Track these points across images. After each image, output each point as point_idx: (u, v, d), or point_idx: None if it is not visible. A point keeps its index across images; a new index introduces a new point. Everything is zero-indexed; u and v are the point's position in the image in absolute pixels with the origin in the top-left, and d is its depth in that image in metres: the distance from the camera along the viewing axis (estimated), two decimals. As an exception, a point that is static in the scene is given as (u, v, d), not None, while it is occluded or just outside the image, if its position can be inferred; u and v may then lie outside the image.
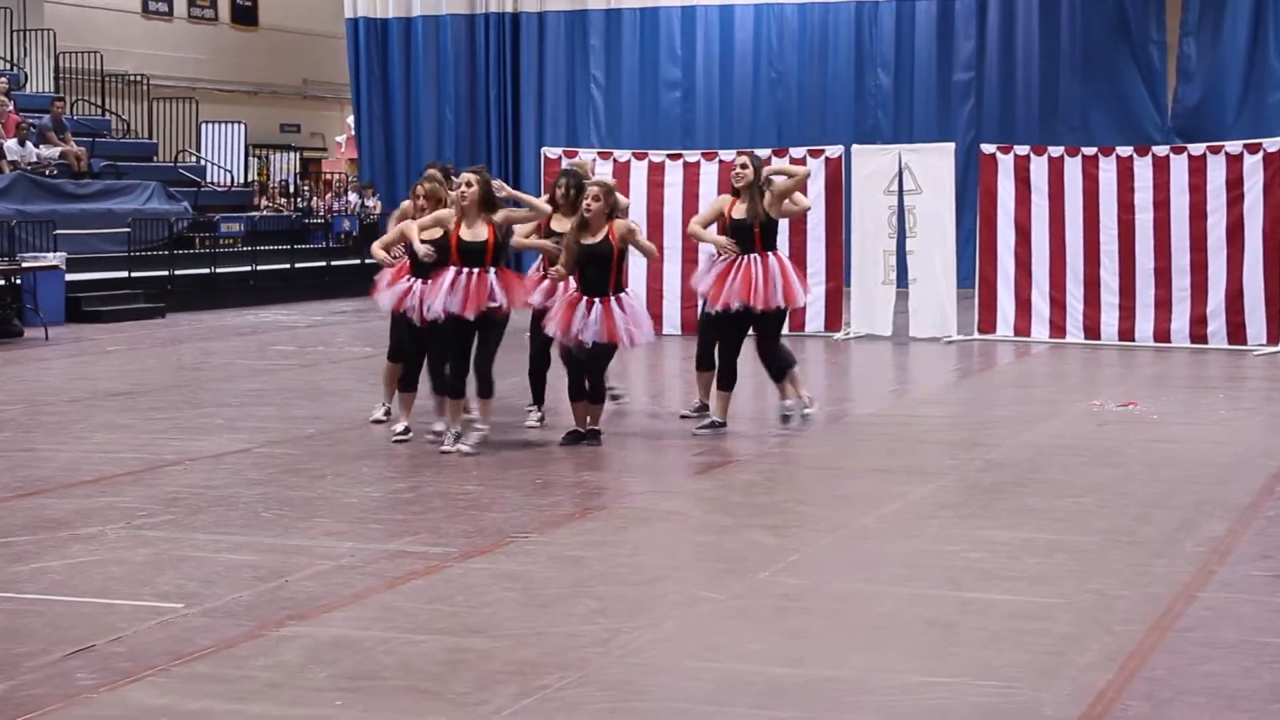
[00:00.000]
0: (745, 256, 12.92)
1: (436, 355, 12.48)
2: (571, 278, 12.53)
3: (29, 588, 8.17)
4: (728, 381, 13.15)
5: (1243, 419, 14.18)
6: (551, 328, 12.48)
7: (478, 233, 12.06)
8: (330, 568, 8.56)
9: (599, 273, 12.33)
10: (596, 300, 12.29)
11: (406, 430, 12.74)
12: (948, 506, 10.28)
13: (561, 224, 12.87)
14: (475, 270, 12.04)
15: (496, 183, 12.40)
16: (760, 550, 9.06)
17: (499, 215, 12.19)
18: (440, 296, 11.98)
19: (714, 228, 13.21)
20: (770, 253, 13.00)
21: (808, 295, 14.04)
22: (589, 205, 12.34)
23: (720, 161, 21.47)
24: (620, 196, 12.92)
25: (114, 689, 6.54)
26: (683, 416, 13.82)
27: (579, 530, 9.57)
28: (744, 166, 13.09)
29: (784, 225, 14.12)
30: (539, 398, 13.47)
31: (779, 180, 13.19)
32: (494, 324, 12.18)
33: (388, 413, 13.49)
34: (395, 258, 12.78)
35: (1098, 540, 9.30)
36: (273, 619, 7.53)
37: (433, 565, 8.61)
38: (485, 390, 12.23)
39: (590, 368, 12.45)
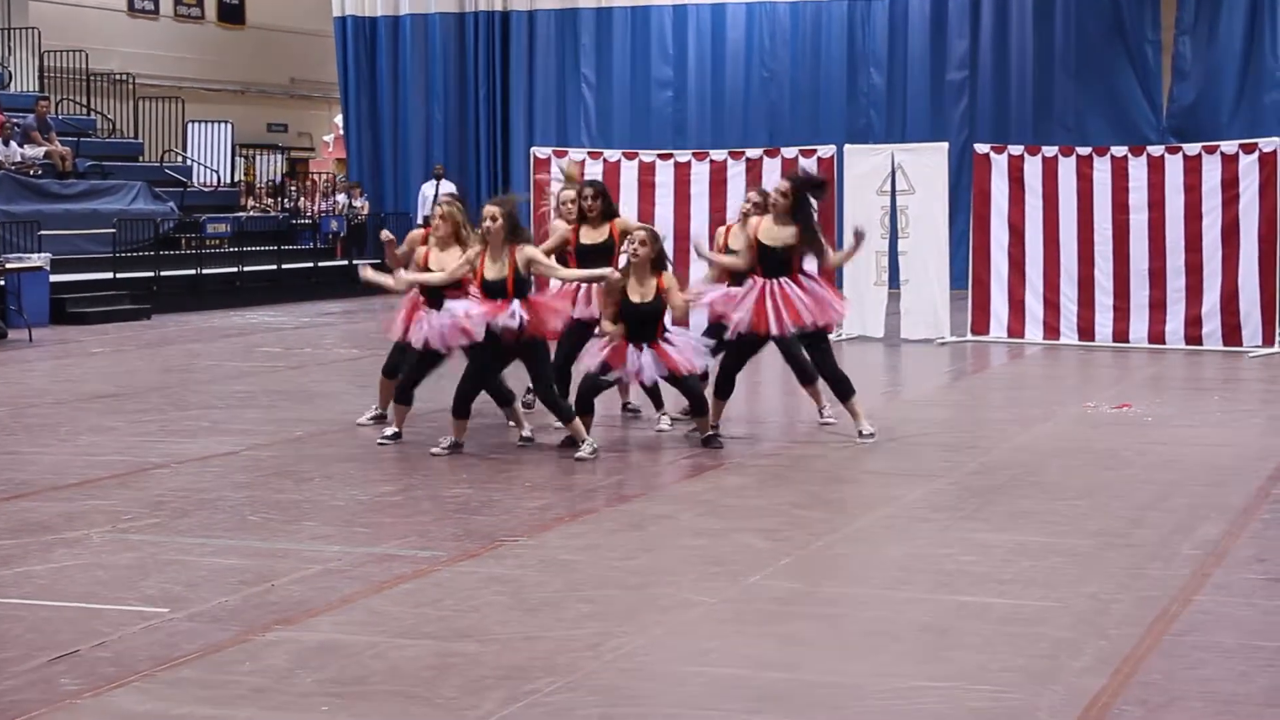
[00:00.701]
0: (775, 281, 12.68)
1: (469, 377, 12.24)
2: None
3: (13, 592, 8.09)
4: (726, 391, 12.94)
5: (1238, 421, 14.14)
6: (595, 363, 12.33)
7: (500, 270, 11.85)
8: (317, 571, 8.49)
9: (646, 329, 12.32)
10: (645, 345, 12.28)
11: (396, 435, 12.60)
12: (941, 509, 10.22)
13: (590, 235, 12.83)
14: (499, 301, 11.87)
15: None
16: (752, 554, 9.01)
17: (522, 255, 11.87)
18: (476, 318, 11.86)
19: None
20: (802, 274, 12.80)
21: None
22: (635, 251, 12.22)
23: (711, 161, 21.42)
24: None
25: (98, 694, 6.48)
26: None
27: (569, 533, 9.51)
28: (784, 195, 12.64)
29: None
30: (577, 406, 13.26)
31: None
32: (528, 351, 11.98)
33: (378, 418, 13.39)
34: (401, 285, 12.59)
35: (1092, 543, 9.25)
36: (259, 623, 7.47)
37: (421, 569, 8.55)
38: (565, 415, 12.06)
39: (683, 388, 12.46)
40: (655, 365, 12.28)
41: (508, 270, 11.83)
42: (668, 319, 12.60)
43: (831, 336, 20.50)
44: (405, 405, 12.64)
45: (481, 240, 11.93)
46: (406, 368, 12.65)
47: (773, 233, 12.74)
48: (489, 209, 11.85)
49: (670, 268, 12.66)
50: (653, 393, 13.30)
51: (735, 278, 13.03)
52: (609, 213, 13.09)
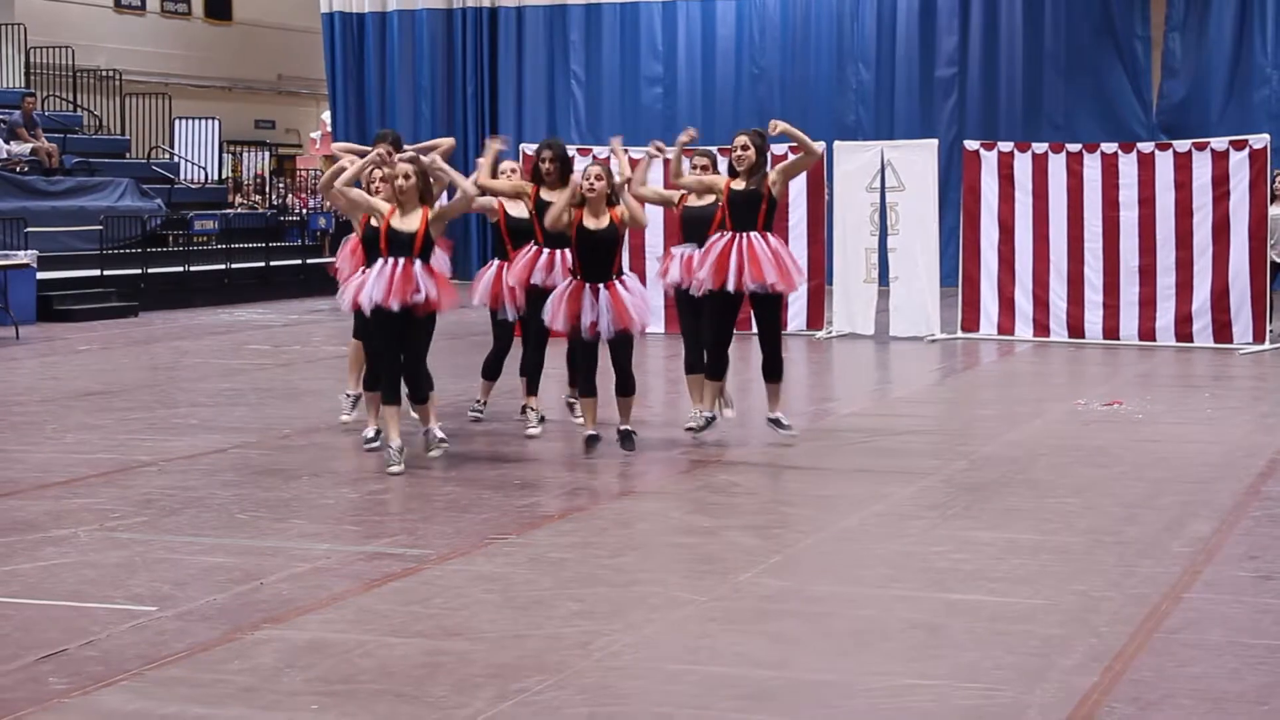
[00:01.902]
0: (745, 234, 12.23)
1: (376, 352, 11.91)
2: (565, 261, 12.28)
3: (0, 591, 8.05)
4: (720, 370, 12.59)
5: (1229, 418, 14.13)
6: (558, 321, 11.97)
7: (409, 223, 11.48)
8: (306, 570, 8.47)
9: (603, 259, 11.93)
10: (601, 286, 11.90)
11: (377, 434, 12.20)
12: (932, 507, 10.21)
13: (551, 195, 12.51)
14: (401, 260, 11.42)
15: (430, 157, 12.04)
16: (742, 552, 8.99)
17: (434, 210, 11.62)
18: (368, 287, 11.42)
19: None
20: (769, 233, 12.33)
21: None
22: (591, 186, 11.87)
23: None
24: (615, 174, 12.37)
25: (86, 693, 6.46)
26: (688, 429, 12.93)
27: (559, 531, 9.49)
28: (745, 148, 12.32)
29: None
30: (534, 388, 13.06)
31: (788, 163, 12.63)
32: (418, 324, 11.53)
33: (355, 402, 13.23)
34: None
35: (1083, 541, 9.25)
36: (248, 622, 7.45)
37: (410, 567, 8.53)
38: (419, 395, 11.71)
39: (616, 356, 11.95)
40: (610, 317, 11.78)
41: (418, 226, 11.44)
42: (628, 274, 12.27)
43: (820, 334, 20.72)
44: (390, 404, 12.46)
45: (394, 195, 11.57)
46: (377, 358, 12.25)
47: (741, 186, 12.34)
48: (402, 167, 11.49)
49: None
50: (532, 379, 13.01)
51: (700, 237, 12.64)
52: (566, 175, 12.72)
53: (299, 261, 30.34)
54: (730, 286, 12.07)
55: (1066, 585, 8.18)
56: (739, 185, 12.35)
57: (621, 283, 11.99)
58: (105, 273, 25.37)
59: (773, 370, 12.42)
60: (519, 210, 13.01)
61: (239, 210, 32.06)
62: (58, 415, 14.13)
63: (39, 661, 6.85)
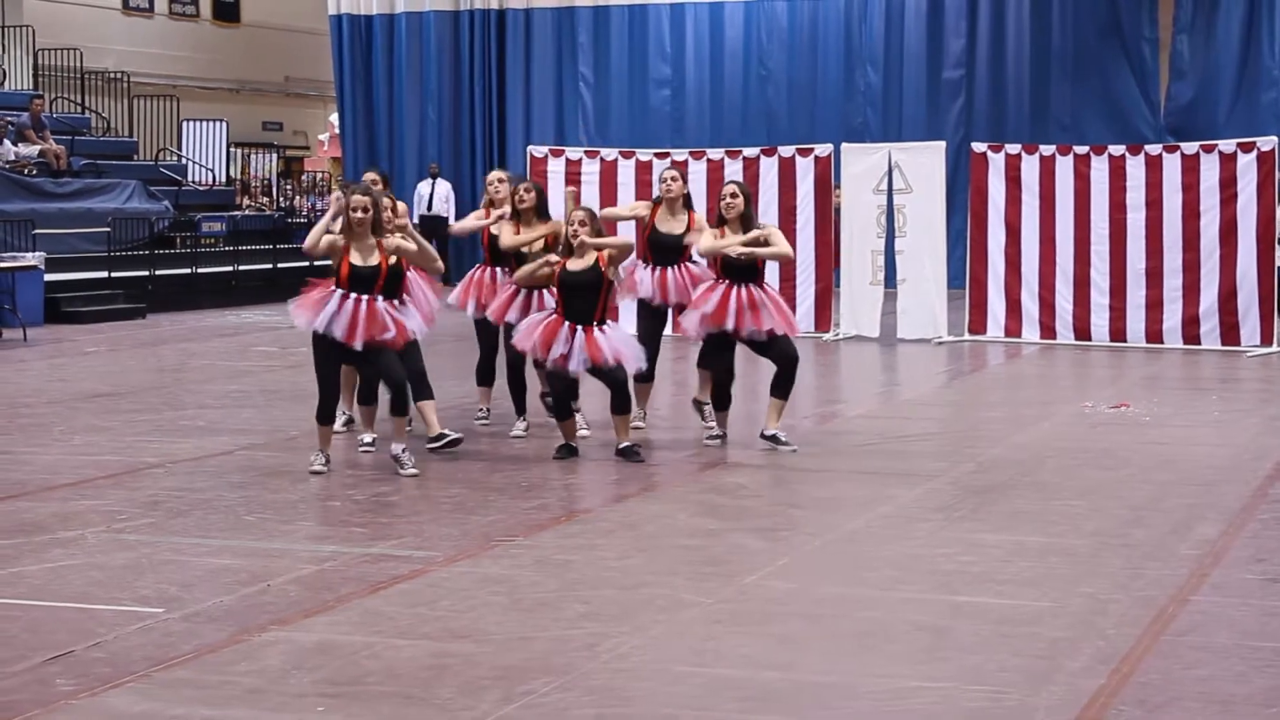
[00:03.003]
0: (744, 285, 12.22)
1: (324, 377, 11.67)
2: (549, 298, 12.33)
3: (7, 592, 8.08)
4: (726, 402, 12.67)
5: (1236, 421, 14.12)
6: (526, 345, 11.98)
7: (368, 258, 11.30)
8: (313, 572, 8.48)
9: (585, 302, 11.86)
10: (579, 328, 11.83)
11: (373, 442, 12.30)
12: (938, 509, 10.20)
13: (528, 233, 12.72)
14: (365, 298, 11.24)
15: (399, 210, 12.14)
16: (748, 554, 8.99)
17: (391, 243, 11.45)
18: (325, 317, 11.21)
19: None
20: (764, 285, 12.38)
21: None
22: (575, 230, 11.90)
23: (708, 160, 21.38)
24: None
25: (94, 695, 6.47)
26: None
27: (565, 534, 9.49)
28: (733, 196, 12.34)
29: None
30: (521, 407, 13.18)
31: (762, 250, 12.34)
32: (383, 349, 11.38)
33: (349, 422, 13.23)
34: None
35: (1090, 543, 9.24)
36: (254, 624, 7.45)
37: (417, 569, 8.53)
38: (418, 395, 11.79)
39: (609, 379, 11.90)
40: (581, 355, 11.73)
41: (378, 261, 11.29)
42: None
43: (828, 336, 20.69)
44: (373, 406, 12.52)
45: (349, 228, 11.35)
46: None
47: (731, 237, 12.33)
48: (358, 199, 11.29)
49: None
50: (516, 388, 13.09)
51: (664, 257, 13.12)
52: (542, 210, 12.90)
53: (306, 264, 30.26)
54: (729, 326, 12.12)
55: (1073, 588, 8.18)
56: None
57: (601, 330, 11.88)
58: (113, 274, 25.39)
59: (781, 385, 12.35)
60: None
61: (246, 212, 32.07)
62: (65, 417, 14.14)
63: (46, 663, 6.86)
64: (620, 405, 11.96)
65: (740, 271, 12.23)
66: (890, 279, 21.31)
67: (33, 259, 23.25)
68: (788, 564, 8.76)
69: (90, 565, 8.62)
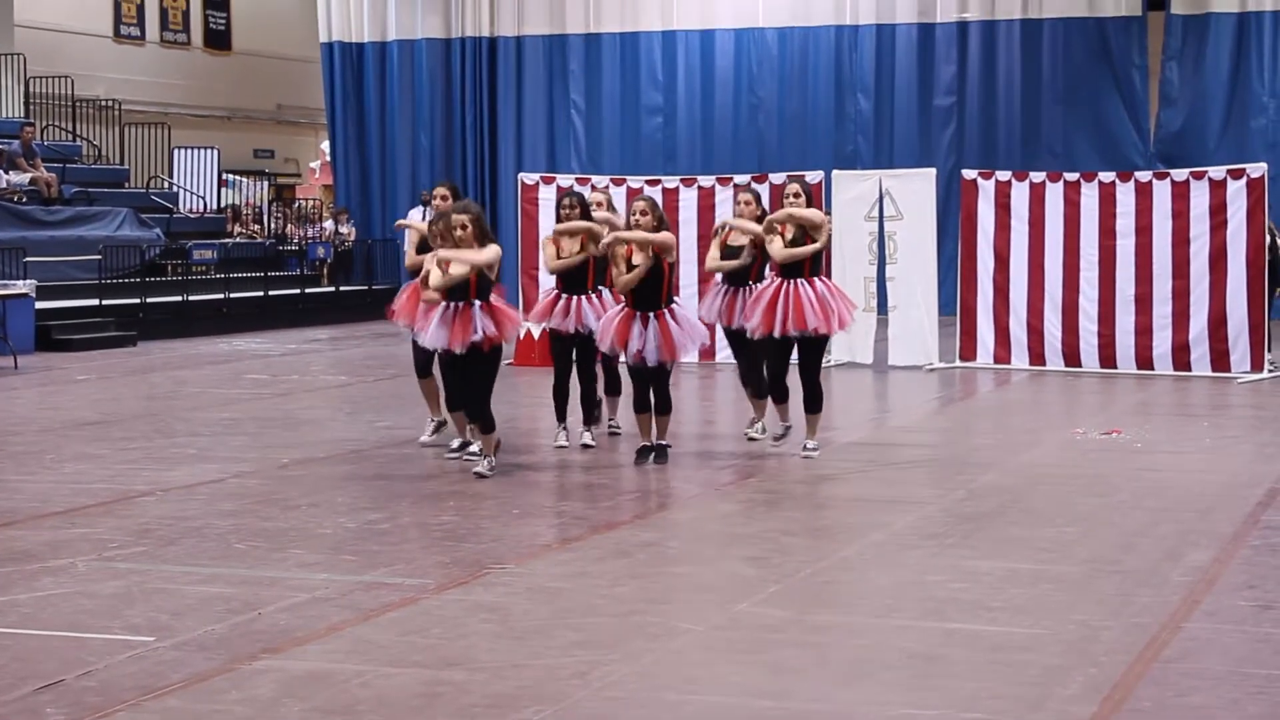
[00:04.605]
0: (792, 280, 12.96)
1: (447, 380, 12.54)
2: (580, 308, 13.20)
3: (-3, 621, 8.05)
4: (784, 394, 13.28)
5: (1227, 447, 14.13)
6: (606, 344, 12.73)
7: (462, 268, 11.98)
8: (304, 600, 8.45)
9: (650, 289, 12.61)
10: (651, 315, 12.58)
11: (465, 445, 12.86)
12: (931, 536, 10.20)
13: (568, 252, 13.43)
14: (460, 304, 11.99)
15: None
16: (740, 581, 8.98)
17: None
18: (431, 331, 12.03)
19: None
20: (816, 278, 13.08)
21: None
22: (638, 221, 12.60)
23: (699, 187, 21.40)
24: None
25: (83, 725, 6.43)
26: (750, 439, 14.02)
27: (556, 561, 9.48)
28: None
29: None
30: (561, 416, 13.64)
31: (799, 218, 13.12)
32: (482, 359, 12.05)
33: (439, 426, 13.62)
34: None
35: (1082, 570, 9.23)
36: (246, 652, 7.43)
37: (408, 597, 8.51)
38: (486, 426, 12.17)
39: (655, 381, 12.72)
40: (657, 348, 12.54)
41: (470, 270, 11.98)
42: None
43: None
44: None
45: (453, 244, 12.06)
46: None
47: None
48: (458, 218, 11.96)
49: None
50: (559, 398, 13.61)
51: (732, 278, 13.69)
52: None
53: (297, 291, 30.34)
54: (777, 333, 12.86)
55: (1065, 615, 8.17)
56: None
57: (670, 312, 12.69)
58: (104, 302, 25.37)
59: (808, 402, 13.18)
60: None
61: (238, 239, 32.07)
62: (56, 445, 14.12)
63: (36, 692, 6.83)
64: (661, 407, 12.77)
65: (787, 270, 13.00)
66: (882, 305, 21.32)
67: (24, 287, 23.22)
68: (780, 591, 8.75)
69: (81, 593, 8.60)
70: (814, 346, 13.11)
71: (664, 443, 12.85)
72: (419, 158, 33.61)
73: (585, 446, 13.52)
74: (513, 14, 33.25)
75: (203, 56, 38.51)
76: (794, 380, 13.24)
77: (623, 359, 12.90)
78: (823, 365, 13.58)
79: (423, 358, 13.35)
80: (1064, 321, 20.20)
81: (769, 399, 13.51)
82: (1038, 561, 9.44)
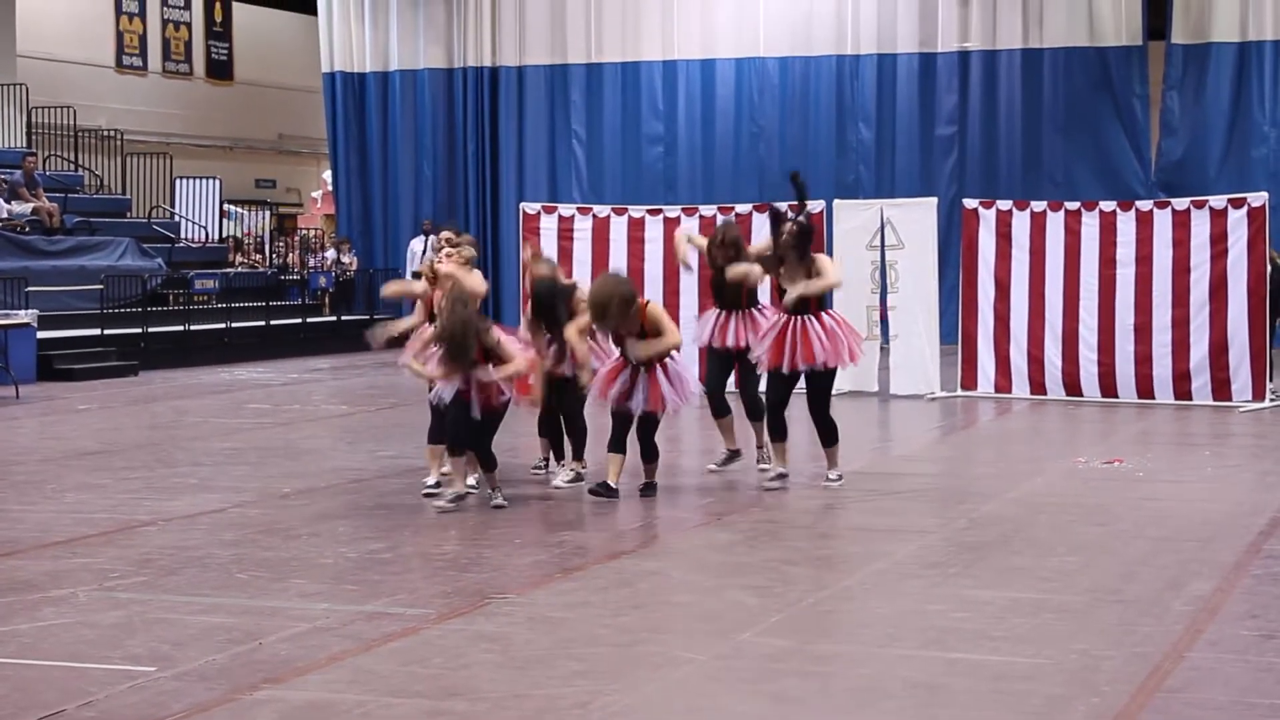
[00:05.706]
0: (800, 317, 12.95)
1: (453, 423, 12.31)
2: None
3: (-2, 651, 8.04)
4: (780, 432, 13.23)
5: (1229, 476, 14.11)
6: (596, 391, 12.68)
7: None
8: (305, 630, 8.44)
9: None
10: (641, 368, 12.49)
11: (437, 484, 12.59)
12: (932, 566, 10.18)
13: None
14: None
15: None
16: (743, 611, 8.96)
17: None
18: (450, 386, 11.97)
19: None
20: (824, 312, 13.08)
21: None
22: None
23: (700, 217, 21.40)
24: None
25: (83, 756, 6.42)
26: (710, 471, 14.02)
27: (558, 591, 9.46)
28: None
29: (766, 280, 14.03)
30: (559, 453, 13.56)
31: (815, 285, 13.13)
32: (494, 411, 12.10)
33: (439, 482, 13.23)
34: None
35: (1084, 599, 9.21)
36: (247, 682, 7.42)
37: (410, 627, 8.50)
38: (488, 465, 12.19)
39: (640, 429, 12.65)
40: (645, 400, 12.47)
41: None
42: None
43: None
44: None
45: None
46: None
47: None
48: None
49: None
50: (555, 442, 13.56)
51: (724, 301, 13.82)
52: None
53: (299, 320, 30.36)
54: (785, 368, 12.91)
55: (1068, 644, 8.15)
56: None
57: (663, 366, 12.56)
58: (105, 332, 25.40)
59: (824, 437, 13.26)
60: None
61: (239, 269, 32.10)
62: (57, 474, 14.11)
63: (37, 722, 6.83)
64: (646, 455, 12.73)
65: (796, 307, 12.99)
66: (884, 334, 21.33)
67: (25, 316, 23.25)
68: (782, 621, 8.73)
69: (82, 623, 8.58)
70: (822, 381, 13.10)
71: (650, 481, 12.77)
72: (421, 187, 33.66)
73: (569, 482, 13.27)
74: (514, 44, 33.32)
75: (204, 87, 38.62)
76: (794, 413, 13.25)
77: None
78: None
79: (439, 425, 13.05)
80: (1064, 350, 20.19)
81: (765, 428, 13.50)
82: (1040, 591, 9.43)
